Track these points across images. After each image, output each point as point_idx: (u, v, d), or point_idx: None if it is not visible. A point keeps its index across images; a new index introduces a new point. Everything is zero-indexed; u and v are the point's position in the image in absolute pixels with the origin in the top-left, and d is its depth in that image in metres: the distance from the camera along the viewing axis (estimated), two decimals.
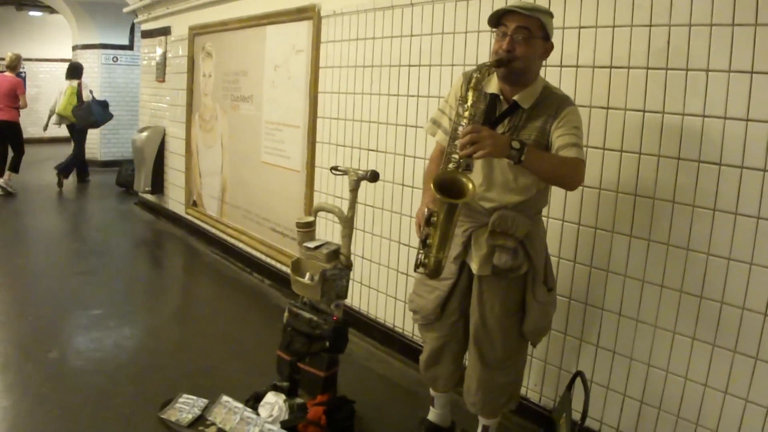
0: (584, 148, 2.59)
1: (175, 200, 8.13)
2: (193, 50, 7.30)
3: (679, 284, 2.79)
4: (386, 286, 4.45)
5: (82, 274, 6.23)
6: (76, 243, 7.62)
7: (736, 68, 2.55)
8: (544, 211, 2.96)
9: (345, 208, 3.33)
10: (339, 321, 3.32)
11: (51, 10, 13.24)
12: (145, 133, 8.39)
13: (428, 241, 2.59)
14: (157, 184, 8.45)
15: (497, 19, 2.59)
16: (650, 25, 2.81)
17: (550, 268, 2.88)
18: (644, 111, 2.86)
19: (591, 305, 3.17)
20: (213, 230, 7.03)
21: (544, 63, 3.09)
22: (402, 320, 4.34)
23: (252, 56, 6.04)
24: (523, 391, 3.43)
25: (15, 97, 9.71)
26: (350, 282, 4.67)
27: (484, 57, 3.43)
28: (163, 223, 8.40)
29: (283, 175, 5.61)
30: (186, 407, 3.49)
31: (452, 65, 3.79)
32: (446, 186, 2.45)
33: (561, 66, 3.18)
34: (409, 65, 4.11)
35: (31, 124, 17.19)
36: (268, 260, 5.88)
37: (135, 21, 9.11)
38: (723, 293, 2.65)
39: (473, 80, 2.56)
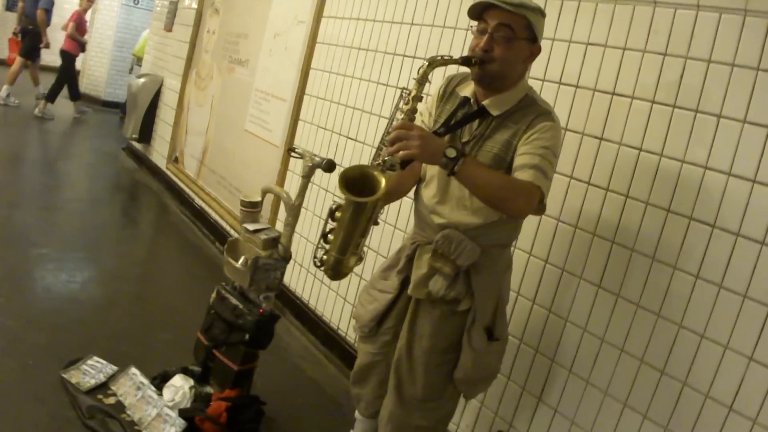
0: (548, 174, 2.10)
1: (159, 153, 7.70)
2: (203, 4, 6.87)
3: (641, 352, 2.37)
4: (338, 284, 4.04)
5: (41, 209, 5.84)
6: (47, 177, 7.18)
7: (752, 120, 2.13)
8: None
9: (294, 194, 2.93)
10: (264, 315, 2.92)
11: None
12: (142, 80, 7.97)
13: (329, 237, 2.26)
14: (145, 133, 7.99)
15: (479, 13, 2.17)
16: (665, 54, 2.38)
17: (502, 315, 2.41)
18: (641, 149, 2.44)
19: (541, 353, 2.75)
20: (188, 190, 6.62)
21: (541, 77, 2.72)
22: (347, 324, 3.94)
23: (255, 20, 5.61)
24: (453, 428, 3.04)
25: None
26: (303, 272, 4.37)
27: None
28: (144, 173, 7.97)
29: (262, 147, 5.19)
30: (92, 371, 3.15)
31: None
32: (358, 181, 2.10)
33: (560, 83, 2.76)
34: (404, 55, 3.69)
35: (48, 53, 16.93)
36: (234, 233, 5.46)
37: None
38: (687, 374, 2.23)
39: (420, 71, 2.16)
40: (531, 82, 2.69)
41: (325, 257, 2.28)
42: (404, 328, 2.42)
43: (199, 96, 6.71)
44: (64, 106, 11.63)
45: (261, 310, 2.92)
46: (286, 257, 2.94)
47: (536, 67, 2.79)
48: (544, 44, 2.44)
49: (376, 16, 3.96)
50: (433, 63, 2.16)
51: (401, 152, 1.99)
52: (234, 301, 3.00)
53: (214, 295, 3.12)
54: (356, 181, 2.10)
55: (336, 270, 2.29)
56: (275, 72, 5.17)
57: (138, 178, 7.83)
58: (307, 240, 4.38)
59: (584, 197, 2.62)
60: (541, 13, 2.17)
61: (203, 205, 6.15)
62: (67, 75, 10.47)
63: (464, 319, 2.32)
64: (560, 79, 2.75)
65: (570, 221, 2.67)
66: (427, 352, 2.37)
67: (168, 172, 7.26)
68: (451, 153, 1.99)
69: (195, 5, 7.14)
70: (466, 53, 2.22)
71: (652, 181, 2.39)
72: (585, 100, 2.64)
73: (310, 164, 2.84)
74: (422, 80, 2.16)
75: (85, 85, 12.48)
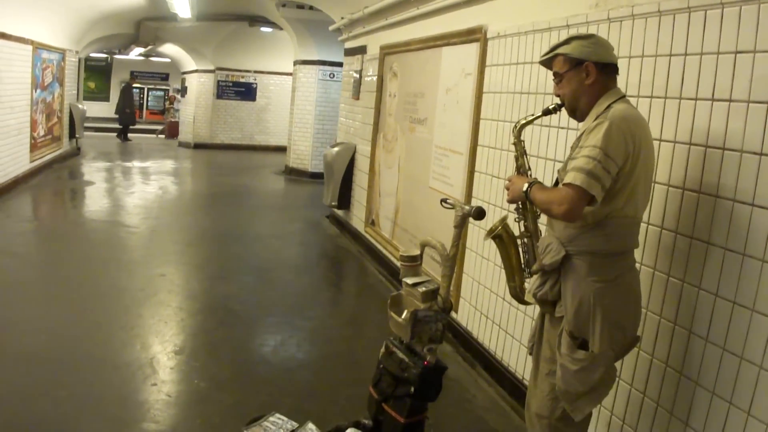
0: (587, 168, 2.31)
1: (357, 217, 8.11)
2: (382, 69, 7.26)
3: None
4: (521, 333, 4.03)
5: (244, 277, 6.45)
6: (255, 247, 7.82)
7: None
8: None
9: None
10: (429, 367, 2.97)
11: (279, 27, 13.81)
12: (336, 149, 8.48)
13: (504, 269, 2.89)
14: (344, 200, 8.49)
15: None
16: None
17: (601, 328, 2.46)
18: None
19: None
20: (384, 251, 6.90)
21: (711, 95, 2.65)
22: None
23: (429, 78, 5.85)
24: None
25: None
26: (488, 323, 4.39)
27: (646, 83, 3.04)
28: (345, 238, 8.42)
29: None
30: (272, 427, 3.38)
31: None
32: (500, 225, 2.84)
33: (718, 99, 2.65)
34: None
35: (259, 133, 18.36)
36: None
37: (339, 39, 9.23)
38: None
39: (513, 133, 2.83)
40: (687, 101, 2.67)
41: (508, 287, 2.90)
42: (537, 340, 2.81)
43: (388, 158, 7.03)
44: (275, 181, 12.52)
45: (425, 363, 2.98)
46: (446, 308, 3.01)
47: (687, 85, 2.74)
48: (692, 59, 2.67)
49: (533, 58, 3.99)
50: (519, 126, 2.80)
51: (507, 199, 2.72)
52: (400, 355, 3.09)
53: (383, 349, 3.23)
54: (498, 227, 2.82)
55: (515, 296, 2.89)
56: (450, 126, 5.34)
57: (340, 243, 8.27)
58: (489, 290, 4.41)
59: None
60: (575, 39, 2.54)
61: (398, 264, 6.33)
62: None
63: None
64: (712, 96, 2.64)
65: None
66: (542, 359, 2.72)
67: (366, 235, 7.61)
68: (524, 187, 2.56)
69: (373, 71, 7.52)
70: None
71: None
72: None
73: (461, 214, 2.91)
74: (517, 142, 2.80)
75: (291, 160, 13.36)
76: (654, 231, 2.90)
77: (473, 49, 4.86)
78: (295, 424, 3.36)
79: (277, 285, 6.31)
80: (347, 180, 8.44)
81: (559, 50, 2.54)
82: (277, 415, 3.45)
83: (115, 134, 20.12)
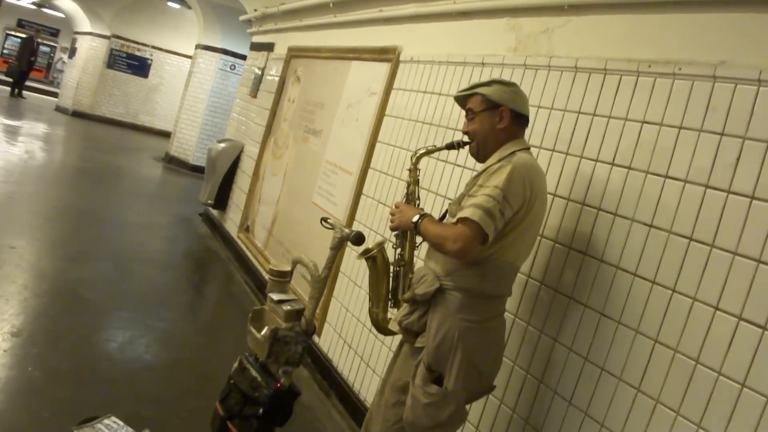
0: (486, 206, 2.37)
1: (232, 221, 7.93)
2: (286, 72, 7.16)
3: None
4: (382, 367, 3.98)
5: (101, 266, 6.14)
6: (118, 235, 7.51)
7: None
8: None
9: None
10: (281, 390, 2.90)
11: (188, 5, 13.48)
12: (222, 145, 8.27)
13: (369, 294, 2.92)
14: (222, 200, 8.27)
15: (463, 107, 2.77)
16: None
17: (458, 368, 2.49)
18: (691, 238, 2.35)
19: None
20: (254, 261, 6.75)
21: (594, 157, 2.73)
22: None
23: (332, 90, 5.79)
24: None
25: None
26: (351, 353, 4.34)
27: (551, 134, 3.11)
28: (216, 240, 8.21)
29: None
30: (105, 430, 3.19)
31: None
32: (378, 250, 2.86)
33: (612, 164, 2.71)
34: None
35: (145, 112, 17.83)
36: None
37: (248, 31, 9.10)
38: None
39: (411, 160, 2.89)
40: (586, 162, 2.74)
41: (370, 312, 2.90)
42: (388, 366, 2.84)
43: (275, 165, 6.91)
44: (153, 167, 12.17)
45: (279, 385, 2.91)
46: (309, 331, 2.95)
47: (590, 145, 2.81)
48: (600, 120, 2.77)
49: (441, 89, 4.02)
50: (418, 155, 2.87)
51: (390, 224, 2.74)
52: (254, 372, 3.01)
53: (236, 364, 3.14)
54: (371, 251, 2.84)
55: (375, 323, 2.92)
56: (345, 143, 5.30)
57: (209, 245, 8.07)
58: (357, 319, 4.38)
59: (630, 287, 2.54)
60: (497, 83, 2.64)
61: (266, 276, 6.22)
62: None
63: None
64: (613, 160, 2.71)
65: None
66: (389, 387, 2.74)
67: (238, 241, 7.44)
68: (415, 218, 2.59)
69: (276, 72, 7.44)
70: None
71: (701, 272, 2.29)
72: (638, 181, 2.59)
73: (339, 236, 2.88)
74: (413, 169, 2.87)
75: (174, 148, 13.02)
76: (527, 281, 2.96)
77: (383, 68, 4.84)
78: (131, 431, 3.22)
79: (135, 278, 6.08)
80: (228, 180, 8.21)
81: (480, 90, 2.62)
82: (113, 418, 3.27)
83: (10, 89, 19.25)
